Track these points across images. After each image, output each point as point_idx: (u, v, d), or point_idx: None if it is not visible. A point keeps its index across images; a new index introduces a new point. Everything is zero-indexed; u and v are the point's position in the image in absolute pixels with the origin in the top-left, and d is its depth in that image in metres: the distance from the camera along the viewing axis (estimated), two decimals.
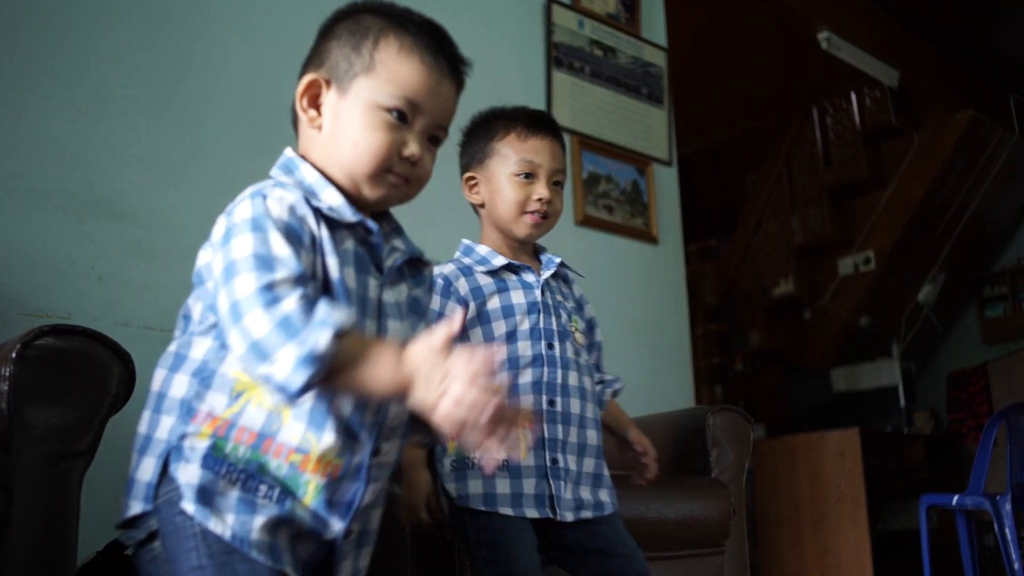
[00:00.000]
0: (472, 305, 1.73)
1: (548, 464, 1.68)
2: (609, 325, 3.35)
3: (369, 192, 1.21)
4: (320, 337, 1.01)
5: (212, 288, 1.12)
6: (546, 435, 1.69)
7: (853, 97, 6.04)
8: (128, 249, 2.20)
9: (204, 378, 1.13)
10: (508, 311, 1.75)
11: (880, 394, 5.59)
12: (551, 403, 1.71)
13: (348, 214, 1.17)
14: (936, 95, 5.44)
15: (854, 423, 4.96)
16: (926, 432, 5.42)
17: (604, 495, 1.75)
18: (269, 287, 1.04)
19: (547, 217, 1.79)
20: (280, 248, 1.07)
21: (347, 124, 1.18)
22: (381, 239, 1.22)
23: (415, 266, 1.31)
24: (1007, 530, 3.94)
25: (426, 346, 1.04)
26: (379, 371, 1.04)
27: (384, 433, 1.19)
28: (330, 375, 1.03)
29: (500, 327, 1.73)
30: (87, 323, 1.55)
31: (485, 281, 1.76)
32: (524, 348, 1.73)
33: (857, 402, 5.66)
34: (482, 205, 1.83)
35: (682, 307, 3.63)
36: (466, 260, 1.80)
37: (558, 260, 1.84)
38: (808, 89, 6.02)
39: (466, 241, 1.84)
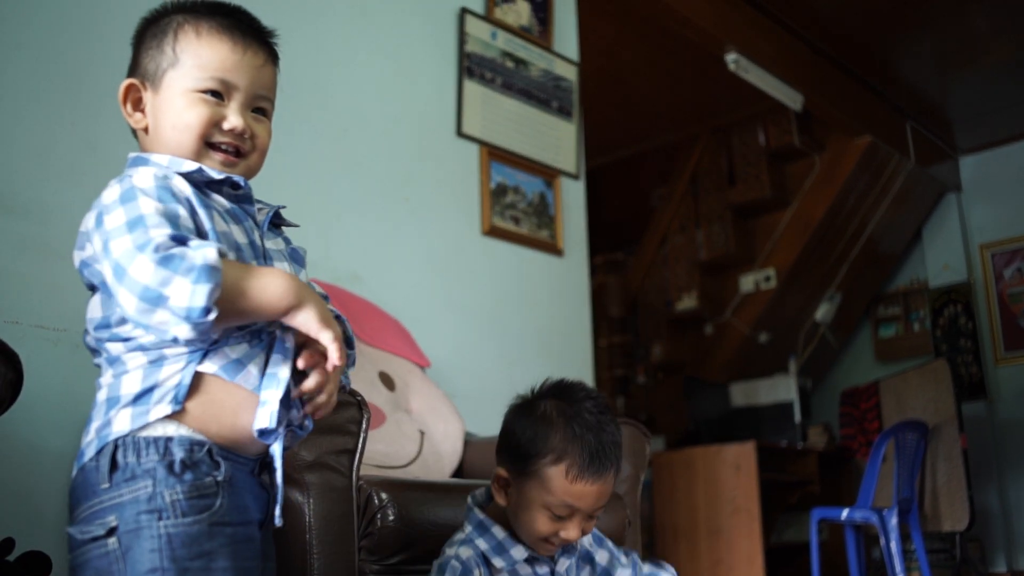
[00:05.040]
0: None
1: None
2: (512, 335, 3.39)
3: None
4: (205, 252, 1.04)
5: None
6: None
7: (759, 117, 6.18)
8: (21, 244, 2.13)
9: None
10: None
11: (776, 409, 5.72)
12: None
13: (214, 173, 1.21)
14: (838, 120, 5.58)
15: (751, 437, 5.06)
16: (819, 447, 5.56)
17: None
18: (144, 240, 1.05)
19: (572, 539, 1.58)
20: (149, 208, 1.09)
21: (166, 112, 1.23)
22: (250, 189, 1.26)
23: (278, 225, 1.35)
24: (893, 543, 4.07)
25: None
26: (272, 287, 1.10)
27: None
28: (224, 297, 1.05)
29: None
30: None
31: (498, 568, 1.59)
32: None
33: (754, 416, 5.78)
34: (506, 502, 1.59)
35: (585, 319, 3.67)
36: (480, 544, 1.58)
37: (575, 556, 1.68)
38: (716, 108, 6.13)
39: (480, 515, 1.62)
